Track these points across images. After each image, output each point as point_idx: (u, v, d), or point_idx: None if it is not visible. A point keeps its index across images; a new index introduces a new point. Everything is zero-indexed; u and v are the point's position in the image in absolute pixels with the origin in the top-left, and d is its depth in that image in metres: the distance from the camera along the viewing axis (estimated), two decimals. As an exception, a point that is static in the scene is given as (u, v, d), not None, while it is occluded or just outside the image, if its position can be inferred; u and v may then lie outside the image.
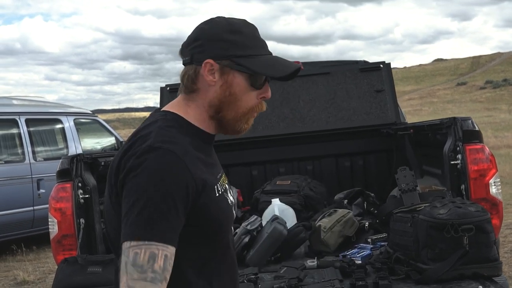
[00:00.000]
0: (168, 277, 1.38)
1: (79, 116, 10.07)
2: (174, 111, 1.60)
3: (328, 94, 4.86)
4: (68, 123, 9.63)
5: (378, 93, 4.81)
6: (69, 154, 9.20)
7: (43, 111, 9.44)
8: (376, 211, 3.67)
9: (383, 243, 3.25)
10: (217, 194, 1.55)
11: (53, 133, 9.65)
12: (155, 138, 1.48)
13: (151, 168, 1.42)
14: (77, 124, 9.88)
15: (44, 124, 9.43)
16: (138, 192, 1.41)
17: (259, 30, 1.64)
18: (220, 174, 1.63)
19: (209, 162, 1.59)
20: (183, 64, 1.62)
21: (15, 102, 9.35)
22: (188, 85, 1.60)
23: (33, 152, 8.80)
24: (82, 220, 3.17)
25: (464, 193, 3.07)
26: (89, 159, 3.24)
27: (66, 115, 9.71)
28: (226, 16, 1.65)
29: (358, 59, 5.40)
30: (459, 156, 3.08)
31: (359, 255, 3.11)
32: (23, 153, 8.67)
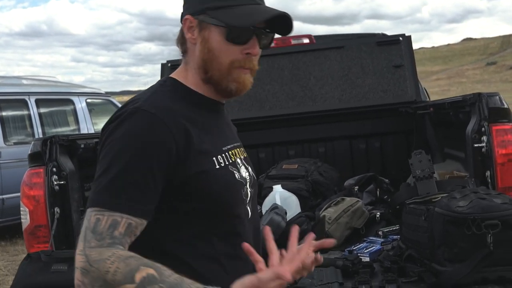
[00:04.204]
0: (128, 242, 1.29)
1: (91, 97, 9.82)
2: (175, 77, 1.53)
3: (341, 70, 4.45)
4: (80, 104, 9.39)
5: (396, 69, 4.39)
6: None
7: (54, 91, 9.23)
8: (390, 200, 3.28)
9: (395, 236, 2.86)
10: (217, 167, 1.44)
11: (65, 114, 9.44)
12: (144, 101, 1.41)
13: (131, 132, 1.35)
14: (90, 105, 9.64)
15: (55, 104, 9.22)
16: (115, 158, 1.33)
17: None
18: (229, 146, 1.54)
19: (210, 131, 1.48)
20: None
21: (25, 82, 9.14)
22: (179, 47, 1.55)
23: (43, 134, 8.59)
24: (57, 209, 2.85)
25: (490, 180, 2.66)
26: (65, 141, 2.91)
27: (78, 95, 9.48)
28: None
29: (376, 32, 4.96)
30: (484, 138, 2.66)
31: (367, 250, 2.72)
32: (32, 134, 8.48)
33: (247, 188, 1.56)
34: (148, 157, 1.33)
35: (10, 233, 8.30)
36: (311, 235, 1.48)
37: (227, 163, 1.49)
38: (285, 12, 1.45)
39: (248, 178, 1.58)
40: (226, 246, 1.44)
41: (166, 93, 1.47)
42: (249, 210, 1.56)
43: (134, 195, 1.30)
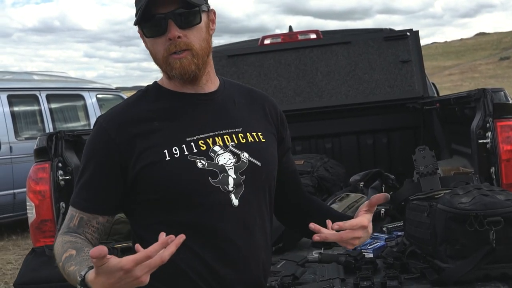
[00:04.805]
0: (82, 233, 1.53)
1: (102, 92, 9.86)
2: (158, 81, 1.66)
3: (348, 65, 4.44)
4: (90, 99, 9.43)
5: (404, 64, 4.38)
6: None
7: (64, 87, 9.28)
8: (393, 196, 3.27)
9: (400, 232, 2.86)
10: (168, 158, 1.48)
11: (75, 109, 9.48)
12: (105, 113, 1.61)
13: (88, 141, 1.59)
14: (100, 100, 9.67)
15: (65, 100, 9.26)
16: (80, 163, 1.62)
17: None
18: (203, 135, 1.54)
19: (171, 124, 1.54)
20: None
21: (35, 77, 9.20)
22: None
23: (54, 129, 8.63)
24: (62, 204, 2.87)
25: (494, 177, 2.65)
26: (71, 137, 2.93)
27: (88, 90, 9.52)
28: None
29: (384, 27, 4.94)
30: (488, 134, 2.65)
31: (371, 247, 2.72)
32: (43, 129, 8.53)
33: (227, 176, 1.52)
34: (94, 161, 1.54)
35: (22, 227, 8.36)
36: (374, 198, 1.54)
37: (186, 153, 1.50)
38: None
39: (231, 164, 1.54)
40: (194, 234, 1.45)
41: (133, 99, 1.62)
42: (234, 199, 1.52)
43: (86, 194, 1.55)
